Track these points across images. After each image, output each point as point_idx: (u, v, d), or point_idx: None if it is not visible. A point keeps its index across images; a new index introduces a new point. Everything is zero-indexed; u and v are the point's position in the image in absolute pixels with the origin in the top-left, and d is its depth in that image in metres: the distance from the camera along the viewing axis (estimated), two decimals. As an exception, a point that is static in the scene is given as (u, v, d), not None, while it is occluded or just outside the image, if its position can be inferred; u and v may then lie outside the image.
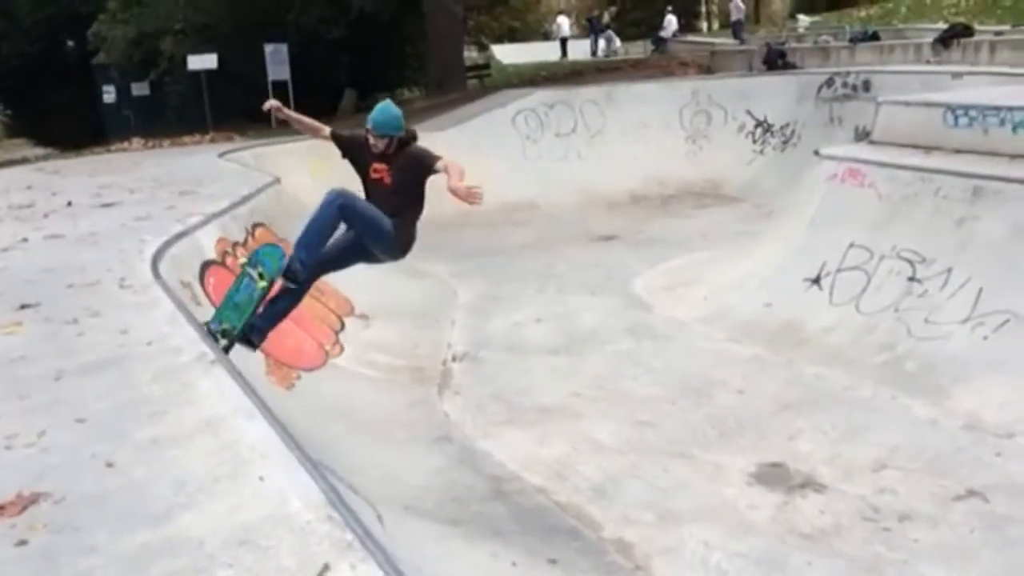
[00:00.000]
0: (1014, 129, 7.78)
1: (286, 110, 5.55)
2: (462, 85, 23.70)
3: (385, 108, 5.29)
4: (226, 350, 4.78)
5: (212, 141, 16.77)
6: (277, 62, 20.11)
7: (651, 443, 5.95)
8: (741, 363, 7.26)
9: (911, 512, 4.87)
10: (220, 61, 20.26)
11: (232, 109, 20.90)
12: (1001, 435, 5.61)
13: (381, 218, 5.07)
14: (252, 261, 4.99)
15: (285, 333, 6.77)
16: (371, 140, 5.20)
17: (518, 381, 7.23)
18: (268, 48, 20.21)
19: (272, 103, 5.54)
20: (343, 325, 7.74)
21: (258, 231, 7.97)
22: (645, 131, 15.89)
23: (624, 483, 5.40)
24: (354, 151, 5.36)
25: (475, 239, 12.63)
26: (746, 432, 6.02)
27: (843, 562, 4.48)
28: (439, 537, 4.45)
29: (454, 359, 7.80)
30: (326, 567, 2.26)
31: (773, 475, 5.39)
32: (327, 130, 5.55)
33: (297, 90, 20.24)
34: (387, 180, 5.21)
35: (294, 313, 7.25)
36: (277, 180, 9.88)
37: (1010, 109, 7.86)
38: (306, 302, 7.67)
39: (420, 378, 7.32)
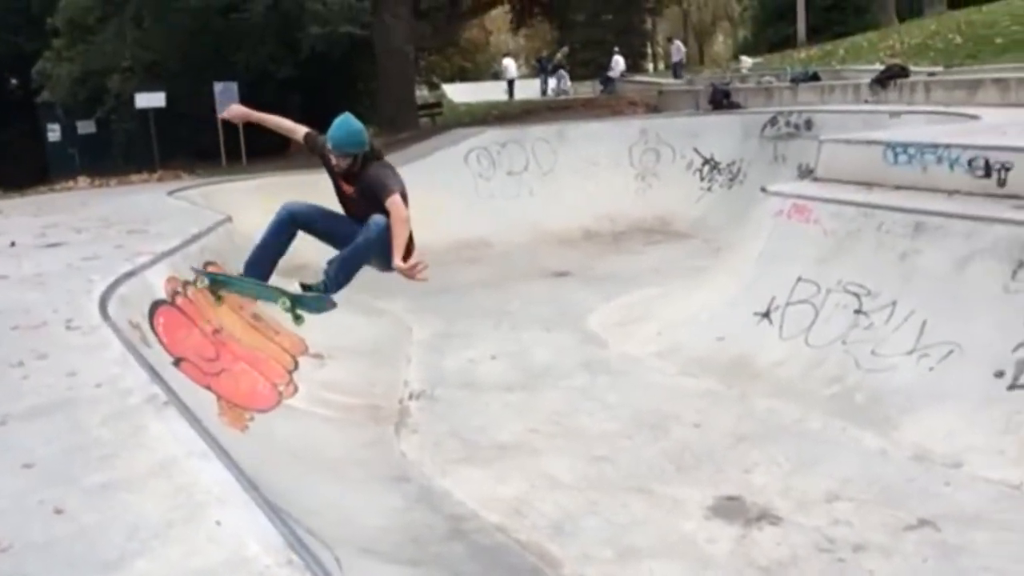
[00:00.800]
0: (951, 166, 8.07)
1: (252, 113, 5.27)
2: (414, 123, 23.83)
3: (344, 123, 4.81)
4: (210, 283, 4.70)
5: (160, 179, 16.56)
6: (227, 100, 19.95)
7: (609, 479, 5.96)
8: (695, 397, 7.33)
9: (865, 543, 4.93)
10: (168, 99, 20.08)
11: (181, 147, 20.73)
12: (949, 465, 5.74)
13: None
14: (295, 302, 4.78)
15: (238, 374, 6.66)
16: (332, 160, 4.81)
17: (475, 418, 7.20)
18: (218, 86, 20.10)
19: (230, 112, 5.15)
20: (297, 364, 7.64)
21: (210, 270, 7.86)
22: (596, 169, 16.09)
23: (583, 519, 5.39)
24: (326, 160, 4.99)
25: (429, 276, 12.59)
26: (702, 466, 6.06)
27: (801, 594, 4.51)
28: (398, 579, 4.38)
29: (410, 397, 7.75)
30: (288, 612, 2.22)
31: (730, 508, 5.43)
32: (302, 132, 5.12)
33: (247, 128, 20.07)
34: (356, 199, 4.91)
35: (248, 355, 7.15)
36: (228, 218, 9.78)
37: (947, 147, 8.16)
38: (259, 342, 7.58)
39: (376, 417, 7.24)
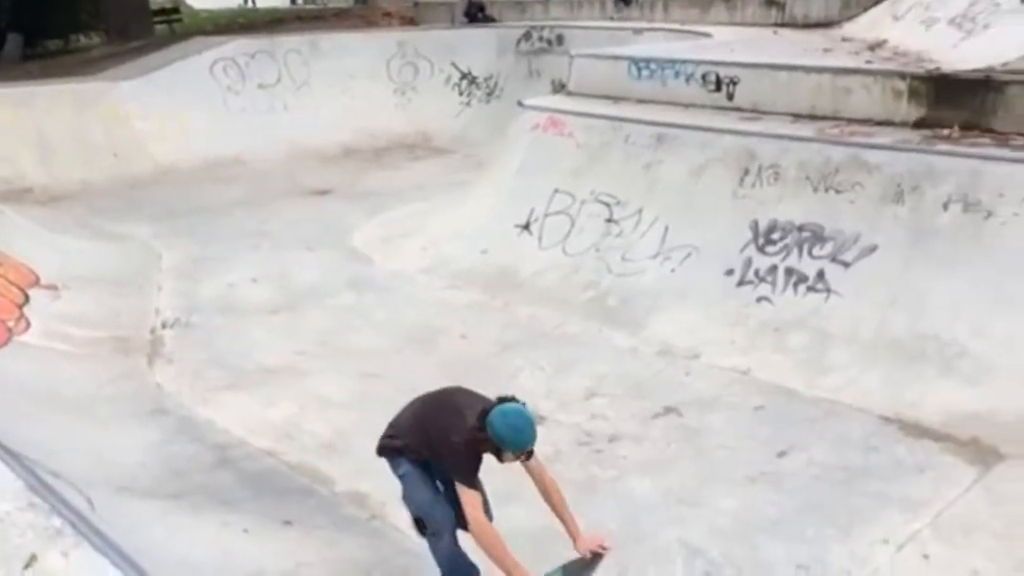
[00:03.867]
0: (687, 80, 8.65)
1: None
2: (149, 31, 21.78)
3: (531, 419, 3.79)
4: None
5: None
6: (-84, -2, 17.20)
7: (380, 395, 5.96)
8: (462, 309, 7.49)
9: (619, 433, 5.35)
10: None
11: None
12: (689, 357, 6.31)
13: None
14: None
15: (-45, 311, 5.95)
16: (511, 457, 3.79)
17: (237, 344, 6.92)
18: (-97, -19, 17.22)
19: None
20: (28, 298, 6.92)
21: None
22: (352, 83, 15.65)
23: (354, 437, 5.38)
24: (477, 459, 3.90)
25: (177, 198, 11.81)
26: (471, 375, 6.18)
27: (565, 485, 4.80)
28: (160, 514, 4.18)
29: (163, 326, 7.29)
30: (33, 557, 2.04)
31: (497, 412, 5.65)
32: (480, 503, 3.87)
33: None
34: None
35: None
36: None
37: (683, 62, 8.72)
38: (-21, 274, 6.77)
39: (125, 349, 6.76)
